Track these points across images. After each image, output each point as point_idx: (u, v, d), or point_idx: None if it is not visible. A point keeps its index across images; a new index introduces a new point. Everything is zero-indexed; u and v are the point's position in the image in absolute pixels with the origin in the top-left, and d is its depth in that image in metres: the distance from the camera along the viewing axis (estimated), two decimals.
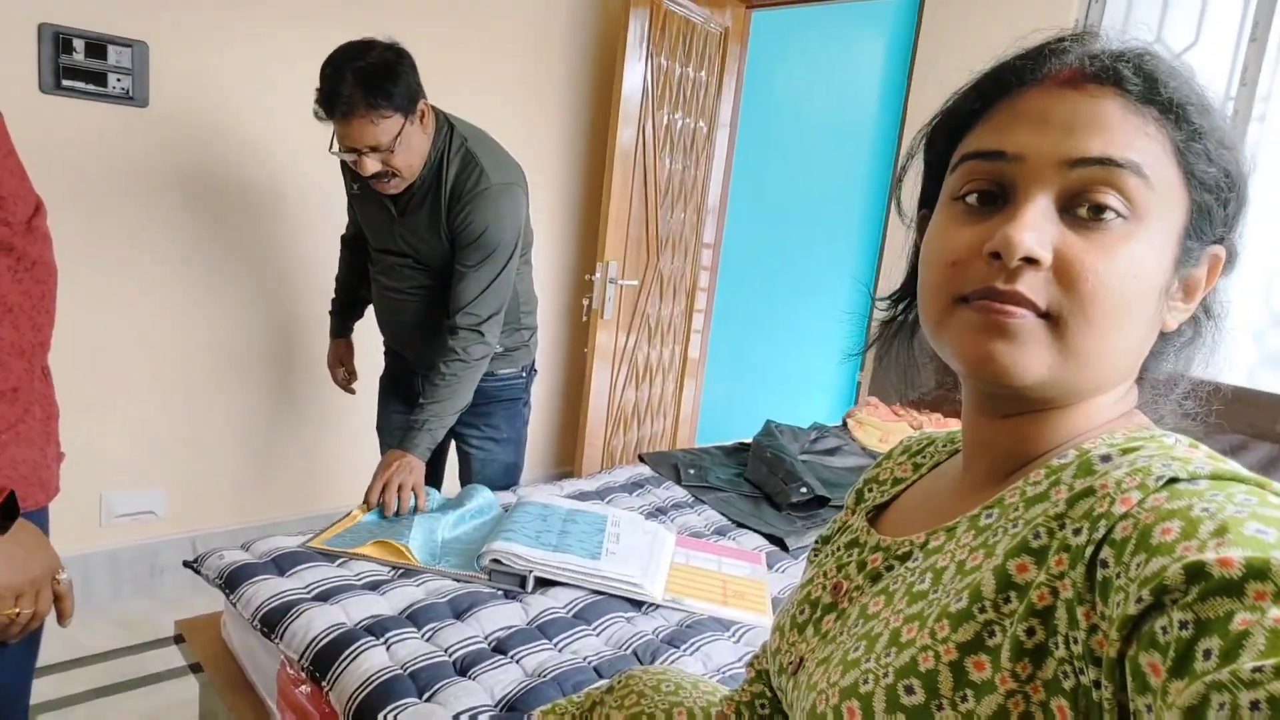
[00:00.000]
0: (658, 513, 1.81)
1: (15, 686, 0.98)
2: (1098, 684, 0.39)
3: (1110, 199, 0.47)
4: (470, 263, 1.65)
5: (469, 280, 1.65)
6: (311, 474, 2.58)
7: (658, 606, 1.36)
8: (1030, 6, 2.52)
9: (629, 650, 1.22)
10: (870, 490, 0.71)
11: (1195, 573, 0.35)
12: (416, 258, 1.73)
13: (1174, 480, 0.42)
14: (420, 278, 1.75)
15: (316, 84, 1.51)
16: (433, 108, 1.64)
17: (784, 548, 1.70)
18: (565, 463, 3.37)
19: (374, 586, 1.30)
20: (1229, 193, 0.51)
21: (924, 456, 0.70)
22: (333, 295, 2.07)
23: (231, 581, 1.26)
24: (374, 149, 1.51)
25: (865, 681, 0.49)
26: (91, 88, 1.98)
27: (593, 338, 2.96)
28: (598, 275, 2.93)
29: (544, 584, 1.37)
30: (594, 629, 1.27)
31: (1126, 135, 0.48)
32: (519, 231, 1.70)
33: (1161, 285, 0.50)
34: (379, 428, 2.06)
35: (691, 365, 3.54)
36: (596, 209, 3.02)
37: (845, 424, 2.63)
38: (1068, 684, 0.41)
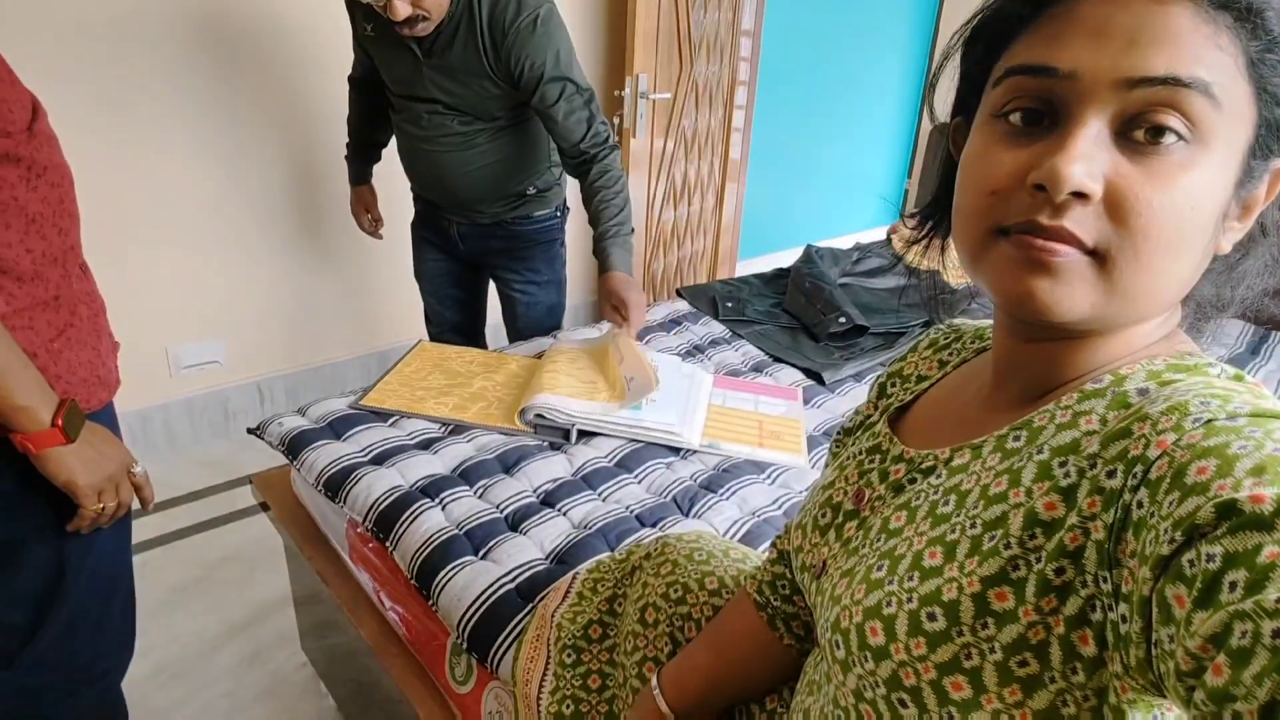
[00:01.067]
0: (695, 351, 1.83)
1: (119, 555, 1.09)
2: (1125, 618, 0.40)
3: (1172, 121, 0.43)
4: (552, 100, 1.59)
5: (564, 116, 1.60)
6: (359, 314, 2.65)
7: (696, 451, 1.42)
8: None
9: (669, 497, 1.28)
10: (893, 385, 0.71)
11: (1226, 509, 0.36)
12: (449, 102, 1.65)
13: (1211, 420, 0.41)
14: (453, 124, 1.68)
15: None
16: None
17: (821, 381, 1.73)
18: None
19: (426, 445, 1.37)
20: None
21: (950, 353, 0.69)
22: (346, 140, 2.00)
23: (293, 448, 1.35)
24: None
25: (889, 604, 0.51)
26: None
27: (626, 159, 2.86)
28: (627, 90, 2.79)
29: (587, 435, 1.44)
30: (635, 476, 1.34)
31: (1195, 49, 0.42)
32: (571, 46, 1.63)
33: (1220, 211, 0.46)
34: (417, 274, 2.05)
35: (733, 168, 3.39)
36: (622, 18, 2.80)
37: (889, 240, 2.56)
38: (1095, 617, 0.42)
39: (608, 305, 1.65)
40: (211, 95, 2.13)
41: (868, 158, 3.85)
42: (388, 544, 1.17)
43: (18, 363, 0.87)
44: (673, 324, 1.95)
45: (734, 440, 1.44)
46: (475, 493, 1.26)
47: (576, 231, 3.11)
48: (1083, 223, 0.44)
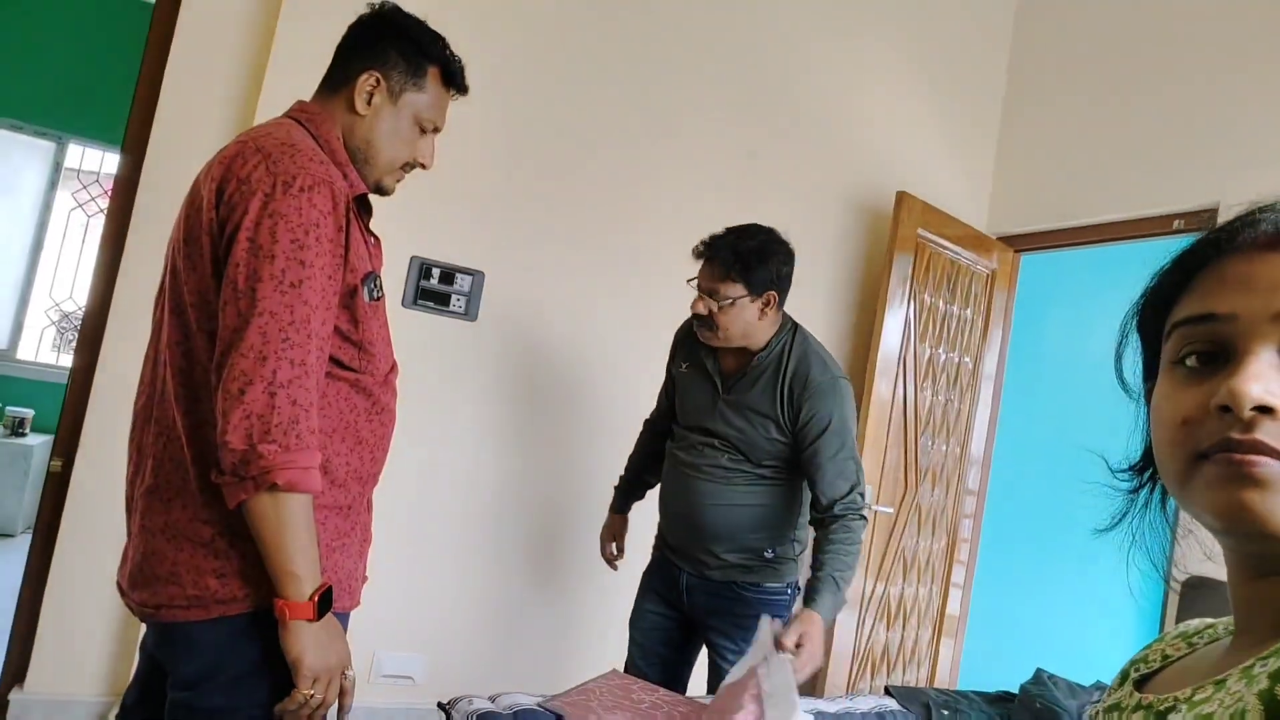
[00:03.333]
0: None
1: None
2: None
3: None
4: (830, 451, 1.73)
5: (833, 471, 1.73)
6: (559, 656, 2.64)
7: None
8: None
9: None
10: (1137, 670, 0.65)
11: None
12: (729, 436, 1.83)
13: None
14: (720, 458, 1.84)
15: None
16: (782, 309, 1.82)
17: None
18: (803, 690, 3.13)
19: None
20: None
21: (1200, 638, 0.64)
22: (621, 472, 2.21)
23: None
24: (709, 294, 1.73)
25: None
26: (437, 306, 2.47)
27: None
28: None
29: None
30: None
31: None
32: (855, 418, 1.81)
33: None
34: (632, 622, 2.03)
35: (950, 622, 3.24)
36: (857, 436, 3.03)
37: None
38: None
39: (792, 637, 1.55)
40: (492, 430, 2.53)
41: (1102, 626, 3.50)
42: None
43: (308, 538, 1.02)
44: (877, 717, 1.78)
45: None
46: None
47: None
48: (1275, 435, 0.46)
